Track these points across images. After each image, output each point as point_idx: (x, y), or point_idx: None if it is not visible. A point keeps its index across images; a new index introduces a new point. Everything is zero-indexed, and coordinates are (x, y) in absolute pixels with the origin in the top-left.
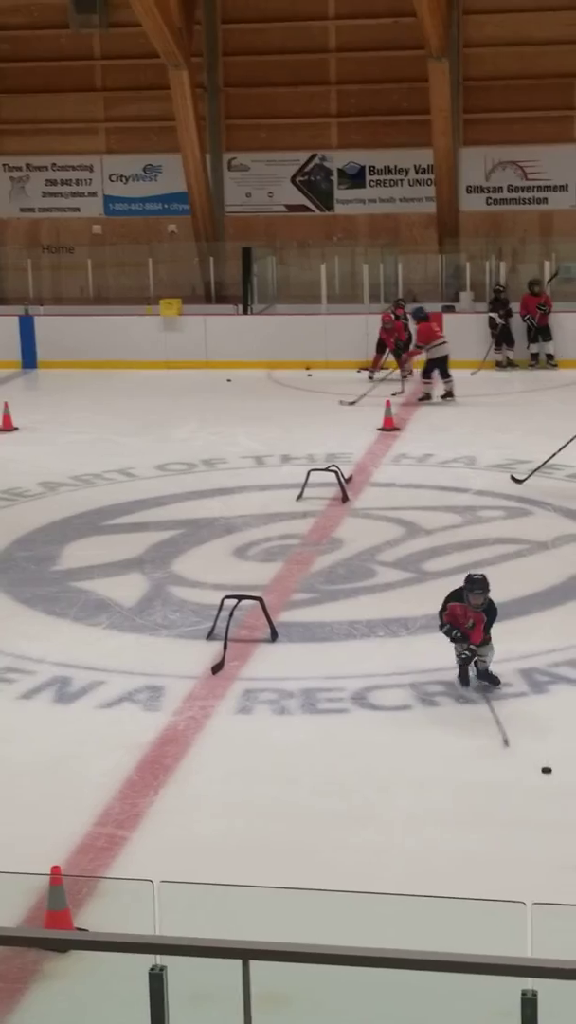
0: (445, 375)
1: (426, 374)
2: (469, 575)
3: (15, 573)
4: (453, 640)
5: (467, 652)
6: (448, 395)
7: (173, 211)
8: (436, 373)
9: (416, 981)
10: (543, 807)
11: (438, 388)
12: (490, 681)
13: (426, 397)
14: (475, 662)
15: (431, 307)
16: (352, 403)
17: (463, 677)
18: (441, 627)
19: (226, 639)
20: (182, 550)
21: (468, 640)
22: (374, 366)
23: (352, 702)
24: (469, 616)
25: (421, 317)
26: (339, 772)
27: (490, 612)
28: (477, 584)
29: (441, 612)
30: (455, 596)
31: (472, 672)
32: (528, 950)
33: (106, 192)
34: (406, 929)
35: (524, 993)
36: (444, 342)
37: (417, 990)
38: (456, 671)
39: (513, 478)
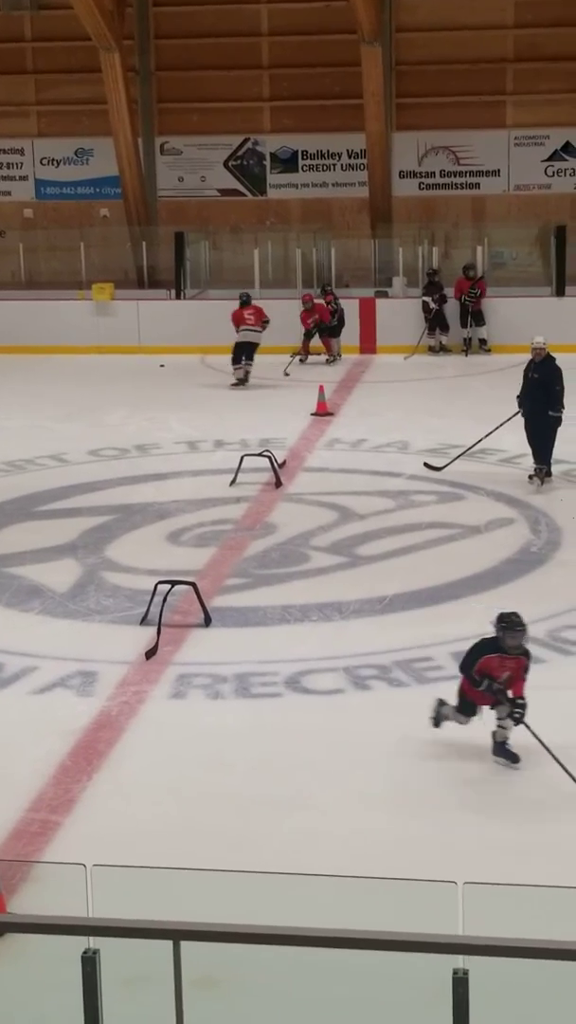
0: (249, 358)
1: (234, 360)
2: (501, 614)
3: None
4: (496, 697)
5: (508, 708)
6: (238, 383)
7: (105, 195)
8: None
9: (347, 961)
10: (475, 790)
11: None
12: (508, 758)
13: (239, 383)
14: (494, 731)
15: (363, 292)
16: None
17: (509, 753)
18: (477, 685)
19: (159, 624)
20: (115, 535)
21: (505, 696)
22: (303, 350)
23: (286, 686)
24: (507, 666)
25: (242, 302)
26: (272, 756)
27: (527, 655)
28: (516, 623)
29: (467, 666)
30: (487, 647)
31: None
32: (460, 930)
33: (37, 176)
34: (338, 910)
35: (456, 972)
36: (250, 330)
37: (348, 970)
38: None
39: (427, 465)
